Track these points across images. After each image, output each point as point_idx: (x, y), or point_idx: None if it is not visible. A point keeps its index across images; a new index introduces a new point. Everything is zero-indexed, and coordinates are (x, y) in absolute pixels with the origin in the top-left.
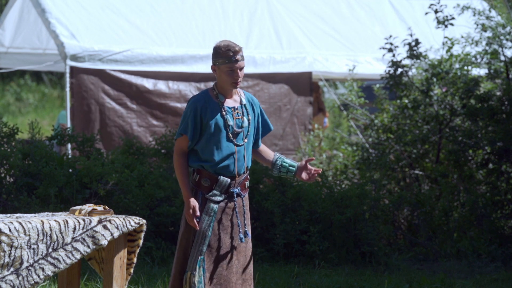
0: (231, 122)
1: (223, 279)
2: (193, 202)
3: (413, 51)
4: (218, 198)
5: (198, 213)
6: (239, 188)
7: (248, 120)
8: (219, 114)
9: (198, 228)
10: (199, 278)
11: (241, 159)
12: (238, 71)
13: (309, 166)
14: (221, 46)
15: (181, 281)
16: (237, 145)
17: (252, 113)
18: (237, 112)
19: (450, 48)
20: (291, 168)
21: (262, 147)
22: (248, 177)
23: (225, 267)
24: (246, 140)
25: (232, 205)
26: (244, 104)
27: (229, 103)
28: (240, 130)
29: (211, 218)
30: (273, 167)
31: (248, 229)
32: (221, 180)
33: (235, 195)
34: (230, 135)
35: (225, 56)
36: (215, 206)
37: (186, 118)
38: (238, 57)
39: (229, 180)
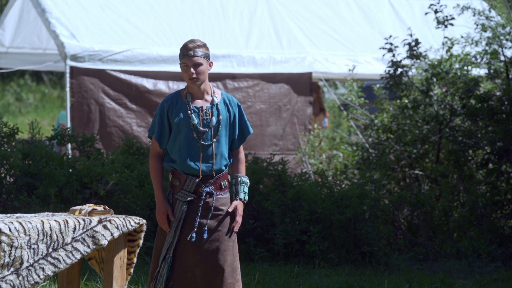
0: (195, 121)
1: (199, 278)
2: (166, 205)
3: (413, 51)
4: (187, 198)
5: (172, 218)
6: (212, 187)
7: (219, 120)
8: (184, 113)
9: (167, 231)
10: (163, 276)
11: (208, 159)
12: (192, 67)
13: (235, 214)
14: (184, 43)
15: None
16: (204, 145)
17: (226, 113)
18: (205, 112)
19: (450, 48)
20: (236, 192)
21: (239, 157)
22: (228, 176)
23: (202, 267)
24: (214, 140)
25: (200, 204)
26: (216, 104)
27: (197, 102)
28: (205, 129)
29: (179, 218)
30: (233, 178)
31: (211, 228)
32: (188, 180)
33: (203, 194)
34: (195, 134)
35: (181, 52)
36: (184, 206)
37: (154, 118)
38: (191, 52)
39: (197, 179)
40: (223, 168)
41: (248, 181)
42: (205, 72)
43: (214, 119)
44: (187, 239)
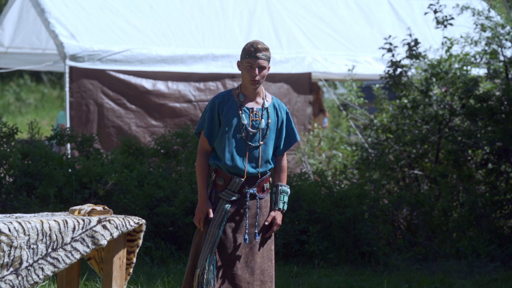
0: (245, 122)
1: (237, 279)
2: (208, 204)
3: (413, 51)
4: (231, 198)
5: (211, 215)
6: (255, 189)
7: (268, 123)
8: (235, 113)
9: (202, 230)
10: (208, 277)
11: (254, 160)
12: (257, 68)
13: (273, 223)
14: (248, 43)
15: (193, 277)
16: (251, 146)
17: (275, 117)
18: (255, 114)
19: (449, 48)
20: (275, 201)
21: (282, 164)
22: (270, 179)
23: (239, 267)
24: (262, 142)
25: (246, 206)
26: (266, 108)
27: (249, 104)
28: (255, 131)
29: (222, 217)
30: (273, 186)
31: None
32: (233, 180)
33: (248, 196)
34: (243, 134)
35: (247, 51)
36: (227, 205)
37: (204, 114)
38: (259, 54)
39: (242, 180)
40: (268, 171)
41: (288, 190)
42: (265, 76)
43: (263, 122)
44: (229, 238)
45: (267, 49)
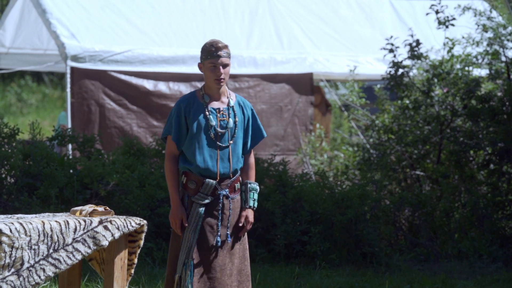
0: (213, 123)
1: (217, 281)
2: (182, 210)
3: (414, 52)
4: (204, 201)
5: (186, 224)
6: (227, 190)
7: (235, 122)
8: (202, 114)
9: (180, 234)
10: (185, 282)
11: (226, 160)
12: (221, 67)
13: (246, 222)
14: (206, 43)
15: (173, 283)
16: (221, 147)
17: (241, 115)
18: (222, 113)
19: (451, 48)
20: (245, 199)
21: (249, 162)
22: (240, 179)
23: (217, 270)
24: (231, 142)
25: (219, 208)
26: (232, 106)
27: (214, 104)
28: (223, 131)
29: (197, 221)
30: (243, 184)
31: (232, 231)
32: (206, 183)
33: (221, 197)
34: (212, 135)
35: (208, 52)
36: (201, 209)
37: (170, 118)
38: (220, 53)
39: (214, 182)
40: (238, 170)
41: (257, 187)
42: (229, 73)
43: (231, 121)
44: (206, 241)
45: (226, 46)
